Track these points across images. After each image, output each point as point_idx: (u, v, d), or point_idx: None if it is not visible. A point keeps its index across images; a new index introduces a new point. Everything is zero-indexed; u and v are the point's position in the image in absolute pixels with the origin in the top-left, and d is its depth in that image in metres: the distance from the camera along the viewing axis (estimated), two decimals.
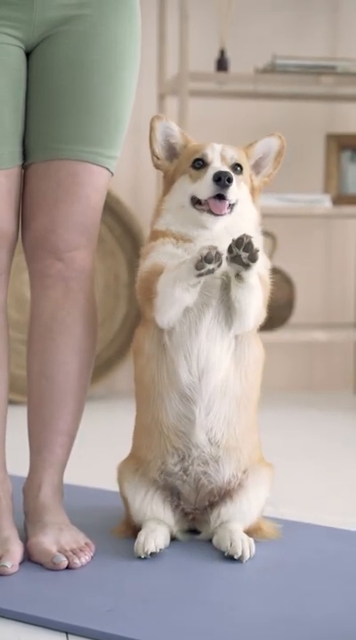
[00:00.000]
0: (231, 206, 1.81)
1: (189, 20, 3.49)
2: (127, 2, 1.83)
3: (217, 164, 1.82)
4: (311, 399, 3.89)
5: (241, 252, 1.68)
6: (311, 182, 3.97)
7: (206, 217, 1.80)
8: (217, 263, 1.68)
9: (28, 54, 1.81)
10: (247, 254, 1.68)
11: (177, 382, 1.78)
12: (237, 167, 1.85)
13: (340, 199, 3.81)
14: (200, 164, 1.83)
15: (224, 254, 1.69)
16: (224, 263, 1.71)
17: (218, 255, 1.68)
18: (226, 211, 1.79)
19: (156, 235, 1.86)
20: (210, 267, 1.68)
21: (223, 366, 1.78)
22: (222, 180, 1.76)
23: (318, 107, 4.00)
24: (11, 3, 1.75)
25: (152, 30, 3.74)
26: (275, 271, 4.11)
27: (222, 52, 3.64)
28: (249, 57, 3.73)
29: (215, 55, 3.70)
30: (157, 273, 1.76)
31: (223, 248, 1.72)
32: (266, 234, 3.76)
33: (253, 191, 1.90)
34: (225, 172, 1.77)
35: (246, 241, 1.68)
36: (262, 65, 3.63)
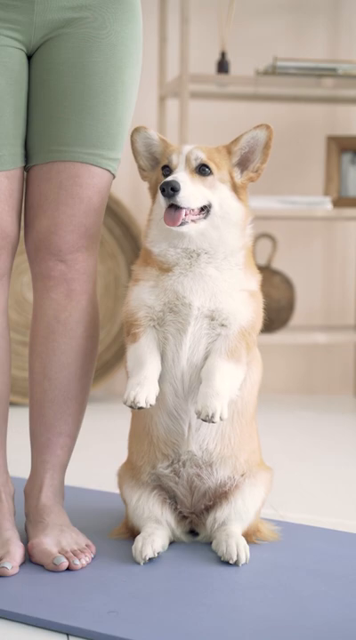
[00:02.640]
0: (207, 209, 1.78)
1: (189, 22, 3.49)
2: (128, 5, 1.83)
3: (179, 170, 1.77)
4: (310, 402, 3.89)
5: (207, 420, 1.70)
6: (312, 184, 3.97)
7: (172, 230, 1.77)
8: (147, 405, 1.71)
9: (29, 57, 1.82)
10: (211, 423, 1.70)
11: (165, 404, 1.79)
12: (204, 168, 1.79)
13: (340, 201, 3.81)
14: (168, 171, 1.80)
15: (148, 404, 1.71)
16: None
17: (140, 410, 1.71)
18: (181, 220, 1.74)
19: (145, 253, 1.84)
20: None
21: None
22: (166, 191, 1.72)
23: (318, 109, 4.01)
24: (11, 5, 1.75)
25: (153, 32, 3.74)
26: (275, 273, 4.11)
27: (223, 54, 3.64)
28: (250, 59, 3.73)
29: (216, 57, 3.70)
30: (131, 326, 1.79)
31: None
32: (267, 236, 3.78)
33: (236, 188, 1.83)
34: (169, 182, 1.72)
35: (210, 421, 1.68)
36: (263, 67, 3.63)
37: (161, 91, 3.79)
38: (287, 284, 3.78)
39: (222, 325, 1.76)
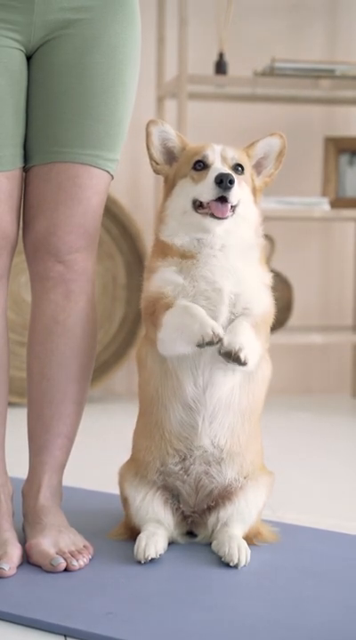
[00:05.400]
0: (233, 208, 1.80)
1: (187, 23, 3.49)
2: (128, 6, 1.83)
3: (218, 166, 1.81)
4: (308, 402, 3.89)
5: (231, 362, 1.70)
6: (310, 185, 3.97)
7: (209, 221, 1.79)
8: (216, 345, 1.70)
9: (28, 58, 1.82)
10: (237, 364, 1.70)
11: (182, 395, 1.79)
12: (238, 167, 1.84)
13: (338, 202, 3.82)
14: (201, 165, 1.83)
15: (222, 336, 1.70)
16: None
17: (219, 339, 1.69)
18: (229, 213, 1.78)
19: (160, 246, 1.84)
20: (209, 347, 1.71)
21: (228, 381, 1.79)
22: (224, 182, 1.75)
23: (316, 110, 4.01)
24: (11, 6, 1.75)
25: (151, 33, 3.74)
26: (273, 274, 4.12)
27: (221, 55, 3.64)
28: (248, 60, 3.73)
29: (214, 58, 3.70)
30: (161, 304, 1.76)
31: (222, 286, 1.76)
32: (265, 237, 3.78)
33: (254, 191, 1.89)
34: (227, 174, 1.76)
35: (234, 357, 1.69)
36: (261, 68, 3.64)
37: (159, 91, 3.79)
38: (285, 284, 3.79)
39: (245, 308, 1.78)
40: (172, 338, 1.74)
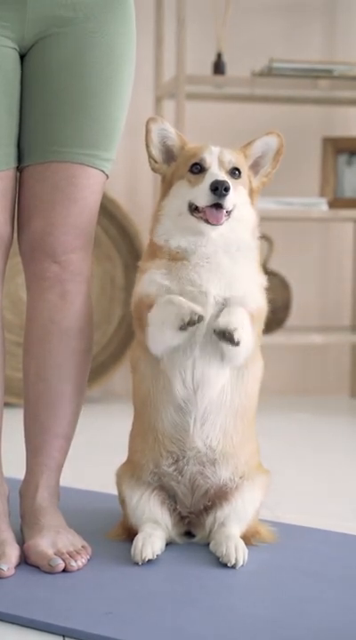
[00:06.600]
0: (229, 212, 1.80)
1: (185, 23, 3.49)
2: (123, 4, 1.83)
3: (215, 170, 1.80)
4: (306, 402, 3.89)
5: (224, 341, 1.71)
6: (308, 186, 3.97)
7: (204, 225, 1.79)
8: (199, 324, 1.71)
9: (22, 56, 1.81)
10: (229, 343, 1.71)
11: (172, 396, 1.79)
12: (235, 172, 1.84)
13: (336, 202, 3.82)
14: (198, 168, 1.82)
15: (205, 316, 1.72)
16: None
17: (200, 318, 1.70)
18: (224, 219, 1.78)
19: (153, 247, 1.85)
20: (192, 328, 1.71)
21: (220, 381, 1.79)
22: (219, 190, 1.75)
23: (314, 110, 4.01)
24: (3, 2, 1.74)
25: (149, 33, 3.74)
26: (272, 274, 4.11)
27: (219, 56, 3.64)
28: (246, 60, 3.73)
29: (212, 58, 3.70)
30: (147, 305, 1.78)
31: (208, 291, 1.76)
32: (263, 237, 3.78)
33: (251, 193, 1.89)
34: (222, 182, 1.75)
35: (227, 336, 1.70)
36: (259, 68, 3.64)
37: (157, 92, 3.79)
38: (283, 284, 3.79)
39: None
40: (159, 331, 1.75)
